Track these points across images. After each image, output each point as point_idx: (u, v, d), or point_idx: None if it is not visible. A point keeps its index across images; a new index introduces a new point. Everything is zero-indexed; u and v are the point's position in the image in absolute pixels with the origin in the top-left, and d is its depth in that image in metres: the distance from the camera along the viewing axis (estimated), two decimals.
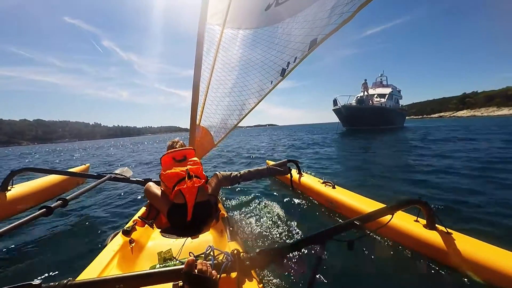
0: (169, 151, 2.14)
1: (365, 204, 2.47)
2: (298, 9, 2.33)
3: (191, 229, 1.81)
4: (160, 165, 2.12)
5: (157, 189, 2.07)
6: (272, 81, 2.52)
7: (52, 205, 1.80)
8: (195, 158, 2.13)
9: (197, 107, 3.01)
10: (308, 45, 1.90)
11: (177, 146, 2.35)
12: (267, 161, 4.74)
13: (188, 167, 1.98)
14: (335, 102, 26.15)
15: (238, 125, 3.19)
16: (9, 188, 2.91)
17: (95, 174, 3.02)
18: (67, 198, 1.95)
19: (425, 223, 1.89)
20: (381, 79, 35.63)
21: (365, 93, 28.55)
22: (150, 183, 2.18)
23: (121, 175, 3.01)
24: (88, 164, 4.87)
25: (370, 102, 27.90)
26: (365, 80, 30.64)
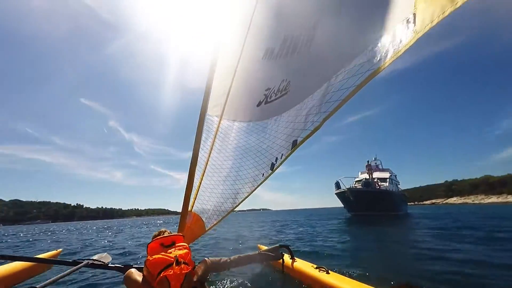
0: (157, 237, 2.09)
1: None
2: (282, 110, 2.75)
3: None
4: (146, 252, 2.04)
5: (138, 276, 1.98)
6: (263, 174, 2.74)
7: None
8: (184, 243, 2.09)
9: (190, 193, 3.13)
10: (291, 145, 2.21)
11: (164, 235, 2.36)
12: (258, 245, 4.59)
13: (177, 252, 1.93)
14: (337, 185, 25.12)
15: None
16: None
17: (70, 260, 2.81)
18: (36, 287, 1.82)
19: None
20: (375, 162, 34.91)
21: (370, 175, 27.65)
22: (132, 270, 2.07)
23: (99, 261, 2.80)
24: (61, 250, 4.57)
25: (377, 186, 26.85)
26: (368, 161, 30.74)
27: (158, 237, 2.09)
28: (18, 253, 8.14)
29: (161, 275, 1.80)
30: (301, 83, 2.46)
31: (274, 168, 2.51)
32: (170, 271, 1.80)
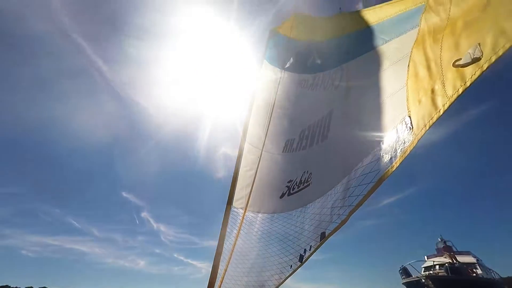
0: None
1: None
2: (306, 202, 2.83)
3: None
4: None
5: None
6: (291, 266, 2.64)
7: None
8: None
9: (214, 283, 2.98)
10: (319, 237, 2.20)
11: None
12: None
13: None
14: (405, 271, 20.76)
15: None
16: None
17: None
18: None
19: None
20: (444, 243, 28.29)
21: (452, 259, 21.75)
22: None
23: None
24: None
25: (473, 273, 20.93)
26: (443, 239, 26.29)
27: None
28: None
29: None
30: (322, 176, 2.62)
31: (304, 260, 2.43)
32: None
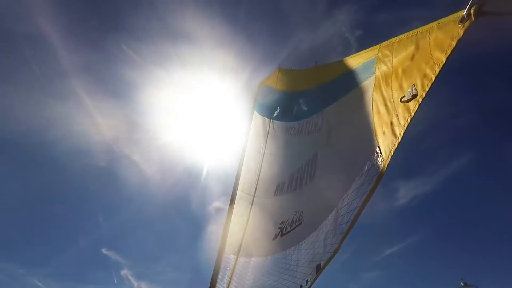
0: None
1: None
2: (300, 239, 2.91)
3: None
4: None
5: None
6: None
7: None
8: None
9: None
10: (315, 270, 2.27)
11: None
12: None
13: None
14: None
15: None
16: None
17: None
18: None
19: None
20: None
21: None
22: None
23: None
24: None
25: None
26: (466, 283, 23.84)
27: None
28: None
29: None
30: (313, 212, 2.79)
31: None
32: None
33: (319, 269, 2.24)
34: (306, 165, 3.42)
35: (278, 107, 5.32)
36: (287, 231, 3.21)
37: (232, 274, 3.73)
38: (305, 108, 4.49)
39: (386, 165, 1.67)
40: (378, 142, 1.81)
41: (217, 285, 3.48)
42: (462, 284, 23.17)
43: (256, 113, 5.56)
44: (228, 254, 4.00)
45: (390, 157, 1.66)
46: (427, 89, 1.51)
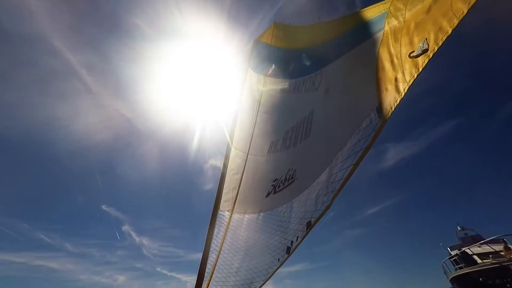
0: None
1: None
2: (292, 196, 2.96)
3: None
4: None
5: None
6: (279, 259, 2.73)
7: None
8: None
9: (201, 286, 3.00)
10: (305, 226, 2.34)
11: None
12: None
13: None
14: (465, 258, 16.13)
15: None
16: None
17: None
18: None
19: None
20: (465, 233, 24.56)
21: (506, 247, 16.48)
22: None
23: None
24: None
25: None
26: (463, 227, 22.71)
27: None
28: None
29: None
30: (306, 170, 2.79)
31: (291, 251, 2.53)
32: None
33: (309, 225, 2.31)
34: (301, 123, 3.35)
35: (273, 64, 5.08)
36: (280, 189, 3.27)
37: (226, 230, 3.89)
38: (303, 66, 4.28)
39: (385, 123, 1.64)
40: (379, 99, 1.75)
41: (213, 240, 3.66)
42: (459, 229, 24.39)
43: (250, 71, 5.33)
44: (223, 211, 4.15)
45: (390, 113, 1.62)
46: (440, 43, 1.42)
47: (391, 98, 1.63)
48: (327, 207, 2.04)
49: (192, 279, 3.05)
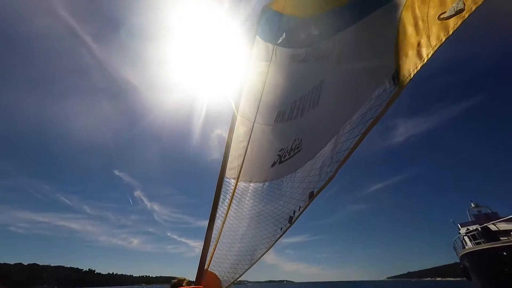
0: None
1: None
2: (296, 167, 2.93)
3: None
4: None
5: None
6: (281, 228, 2.79)
7: None
8: None
9: (207, 252, 3.13)
10: (308, 197, 2.34)
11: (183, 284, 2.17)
12: None
13: None
14: (487, 232, 15.59)
15: (248, 278, 3.17)
16: None
17: None
18: None
19: None
20: (478, 211, 23.67)
21: None
22: None
23: None
24: None
25: None
26: (477, 204, 22.23)
27: None
28: None
29: None
30: (312, 140, 2.73)
31: (293, 221, 2.57)
32: None
33: (311, 196, 2.31)
34: (310, 92, 3.23)
35: (284, 33, 4.76)
36: (285, 159, 3.25)
37: (232, 198, 3.97)
38: (315, 34, 4.00)
39: (401, 90, 1.52)
40: (396, 66, 1.61)
41: (219, 207, 3.76)
42: (473, 205, 23.85)
43: (258, 39, 5.05)
44: (229, 179, 4.21)
45: (408, 81, 1.49)
46: (480, 2, 1.24)
47: (411, 64, 1.49)
48: (331, 178, 2.01)
49: (200, 245, 3.18)
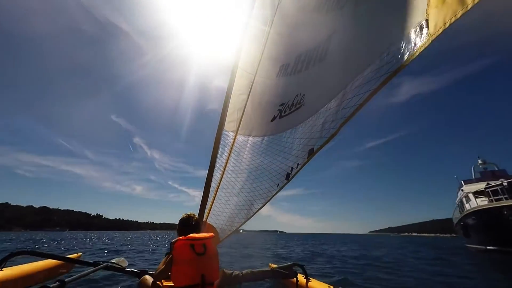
0: (188, 236, 1.89)
1: None
2: (297, 122, 2.79)
3: None
4: (171, 247, 1.89)
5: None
6: (278, 184, 2.77)
7: (50, 286, 1.77)
8: (215, 251, 1.97)
9: (206, 204, 3.19)
10: (307, 154, 2.25)
11: (193, 223, 2.17)
12: (270, 264, 4.48)
13: (206, 267, 1.83)
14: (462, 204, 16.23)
15: (244, 228, 3.28)
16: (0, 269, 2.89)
17: (92, 262, 3.02)
18: (65, 280, 1.93)
19: None
20: (485, 168, 22.40)
21: None
22: (147, 276, 2.06)
23: (117, 264, 3.01)
24: (81, 253, 4.80)
25: None
26: (484, 161, 21.03)
27: (190, 236, 1.90)
28: None
29: None
30: (316, 95, 2.54)
31: (290, 178, 2.53)
32: None
33: (311, 153, 2.21)
34: (317, 46, 2.91)
35: None
36: (286, 113, 3.10)
37: (230, 150, 3.92)
38: None
39: (430, 41, 1.27)
40: (427, 15, 1.33)
41: (217, 160, 3.73)
42: (480, 162, 22.56)
43: None
44: (228, 131, 4.11)
45: (440, 31, 1.23)
46: None
47: (446, 12, 1.21)
48: (333, 135, 1.88)
49: (200, 195, 3.22)
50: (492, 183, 15.68)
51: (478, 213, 15.12)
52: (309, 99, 2.61)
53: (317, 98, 2.44)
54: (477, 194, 16.84)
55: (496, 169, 21.75)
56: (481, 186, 17.20)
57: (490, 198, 14.69)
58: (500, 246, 14.00)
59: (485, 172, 21.63)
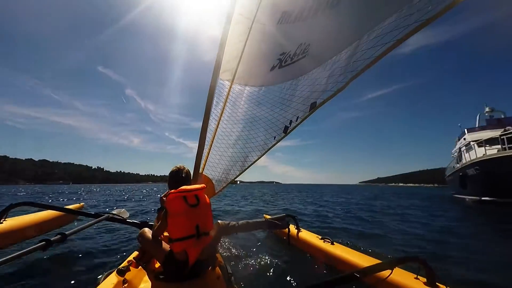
0: (179, 189, 1.86)
1: (364, 261, 2.50)
2: (300, 73, 2.63)
3: (186, 275, 1.79)
4: (161, 201, 1.93)
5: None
6: (275, 137, 2.72)
7: (51, 239, 1.79)
8: (208, 201, 1.97)
9: (201, 156, 3.17)
10: (309, 107, 2.16)
11: (183, 175, 2.14)
12: (264, 215, 4.76)
13: (200, 218, 1.84)
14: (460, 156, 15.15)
15: (240, 179, 3.32)
16: (1, 221, 2.92)
17: (93, 213, 3.08)
18: (66, 233, 1.95)
19: (426, 280, 1.92)
20: (491, 116, 21.14)
21: None
22: (146, 229, 2.06)
23: (118, 216, 3.08)
24: (83, 204, 4.92)
25: None
26: (492, 108, 19.99)
27: (182, 189, 1.86)
28: None
29: (180, 244, 1.76)
30: (323, 45, 2.34)
31: (288, 131, 2.48)
32: (190, 244, 1.76)
33: (314, 106, 2.12)
34: None
35: None
36: (286, 63, 2.91)
37: (226, 100, 3.78)
38: None
39: None
40: None
41: (213, 110, 3.60)
42: (488, 109, 21.02)
43: None
44: (223, 81, 3.91)
45: None
46: None
47: None
48: (340, 89, 1.78)
49: (197, 146, 3.18)
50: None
51: (484, 163, 13.60)
52: (315, 50, 2.41)
53: (325, 49, 2.26)
54: (487, 142, 15.16)
55: (503, 117, 20.15)
56: (486, 134, 15.77)
57: (503, 146, 13.18)
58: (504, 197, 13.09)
59: (490, 120, 20.12)
